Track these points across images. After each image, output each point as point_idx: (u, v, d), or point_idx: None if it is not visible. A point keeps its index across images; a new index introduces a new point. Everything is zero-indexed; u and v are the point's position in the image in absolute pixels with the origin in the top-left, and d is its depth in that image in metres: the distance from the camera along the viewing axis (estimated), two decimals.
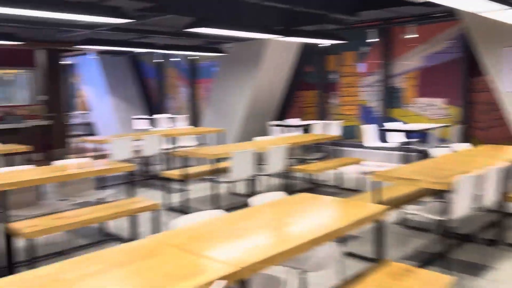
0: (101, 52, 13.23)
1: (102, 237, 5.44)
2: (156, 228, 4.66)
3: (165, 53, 13.47)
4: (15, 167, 4.98)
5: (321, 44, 10.29)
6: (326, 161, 7.67)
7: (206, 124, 11.84)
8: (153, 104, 15.81)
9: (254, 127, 11.00)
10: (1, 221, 4.24)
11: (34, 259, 4.37)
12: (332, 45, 10.21)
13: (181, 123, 12.95)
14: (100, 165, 5.00)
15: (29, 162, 7.24)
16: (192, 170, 6.73)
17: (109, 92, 14.98)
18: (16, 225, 4.00)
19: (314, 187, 7.76)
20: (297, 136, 7.98)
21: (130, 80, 15.53)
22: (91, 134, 16.92)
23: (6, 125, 9.90)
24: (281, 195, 3.48)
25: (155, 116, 13.10)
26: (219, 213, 2.96)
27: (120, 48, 9.76)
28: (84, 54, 12.78)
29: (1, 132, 10.09)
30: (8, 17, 6.51)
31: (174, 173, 6.65)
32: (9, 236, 4.07)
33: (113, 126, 15.04)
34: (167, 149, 8.58)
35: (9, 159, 6.99)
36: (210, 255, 2.14)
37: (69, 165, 5.03)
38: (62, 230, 4.20)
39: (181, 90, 14.56)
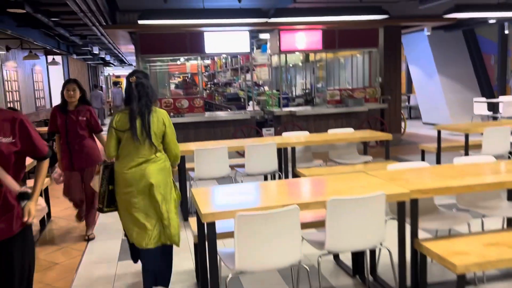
0: (434, 28, 11.55)
1: None
2: None
3: None
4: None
5: None
6: None
7: None
8: (490, 85, 13.34)
9: None
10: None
11: None
12: None
13: None
14: None
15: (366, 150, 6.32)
16: None
17: (438, 72, 13.29)
18: (429, 245, 2.92)
19: None
20: None
21: (462, 57, 13.42)
22: (413, 118, 15.66)
23: (345, 108, 9.47)
24: None
25: (495, 99, 10.76)
26: None
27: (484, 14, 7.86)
28: (421, 30, 11.36)
29: (339, 116, 9.71)
30: None
31: None
32: (417, 252, 3.07)
33: (440, 110, 13.33)
34: None
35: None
36: None
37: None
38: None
39: None
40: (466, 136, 6.01)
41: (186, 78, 14.36)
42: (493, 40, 13.15)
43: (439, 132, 6.53)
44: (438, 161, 6.51)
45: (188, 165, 5.60)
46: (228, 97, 14.10)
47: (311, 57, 11.73)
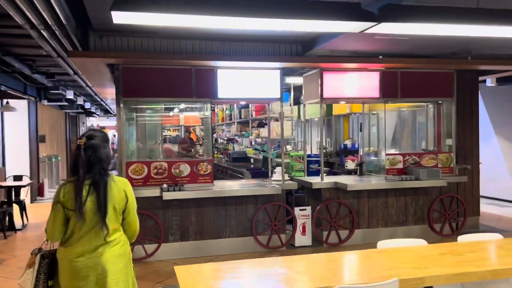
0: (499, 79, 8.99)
1: None
2: None
3: None
4: None
5: None
6: None
7: None
8: None
9: None
10: None
11: None
12: None
13: None
14: None
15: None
16: None
17: (496, 134, 10.70)
18: None
19: None
20: None
21: None
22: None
23: (413, 182, 6.63)
24: None
25: None
26: None
27: None
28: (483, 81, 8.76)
29: (402, 192, 6.85)
30: None
31: None
32: None
33: (501, 181, 10.58)
34: None
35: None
36: None
37: None
38: None
39: None
40: None
41: (188, 130, 11.55)
42: None
43: None
44: None
45: None
46: (233, 157, 11.34)
47: (354, 108, 8.99)
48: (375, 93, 6.81)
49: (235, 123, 11.62)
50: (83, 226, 2.69)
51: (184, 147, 12.49)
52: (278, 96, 6.47)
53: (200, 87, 6.19)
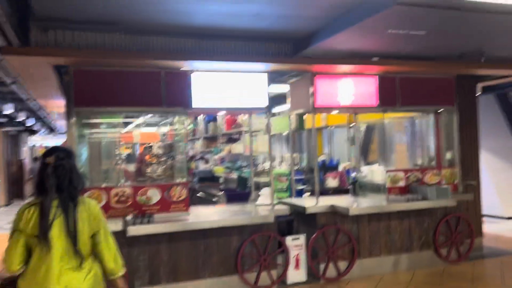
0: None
1: None
2: None
3: None
4: None
5: None
6: None
7: None
8: None
9: None
10: None
11: None
12: None
13: None
14: None
15: None
16: None
17: (483, 148, 10.17)
18: None
19: None
20: None
21: (499, 125, 10.39)
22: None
23: (419, 203, 5.76)
24: None
25: None
26: None
27: None
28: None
29: (405, 214, 5.97)
30: None
31: None
32: None
33: (488, 196, 10.01)
34: None
35: None
36: None
37: None
38: None
39: None
40: None
41: (147, 148, 10.26)
42: None
43: None
44: None
45: None
46: (200, 176, 10.16)
47: (330, 120, 8.21)
48: (373, 101, 5.94)
49: (201, 138, 10.51)
50: (49, 254, 2.47)
51: (139, 167, 11.21)
52: (265, 104, 5.46)
53: (172, 94, 5.06)
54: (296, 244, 5.56)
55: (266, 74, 5.42)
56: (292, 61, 5.23)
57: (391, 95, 6.02)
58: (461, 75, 6.41)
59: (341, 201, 5.92)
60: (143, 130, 11.85)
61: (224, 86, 5.28)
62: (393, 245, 5.94)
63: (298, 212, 5.74)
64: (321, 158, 8.91)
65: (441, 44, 5.13)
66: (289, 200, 6.08)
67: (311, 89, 5.63)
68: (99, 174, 5.60)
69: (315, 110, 5.71)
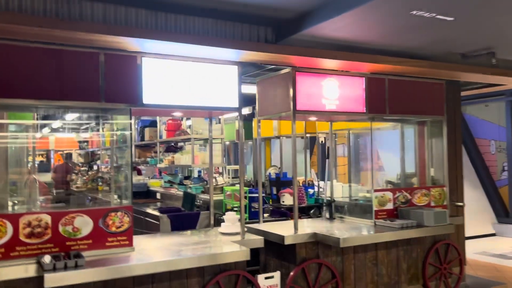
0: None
1: None
2: None
3: None
4: None
5: None
6: None
7: None
8: (493, 180, 10.08)
9: None
10: None
11: None
12: None
13: None
14: None
15: None
16: None
17: None
18: None
19: None
20: None
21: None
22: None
23: (412, 231, 4.80)
24: None
25: None
26: None
27: None
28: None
29: (393, 243, 4.99)
30: None
31: None
32: None
33: None
34: None
35: None
36: None
37: None
38: None
39: None
40: None
41: (66, 157, 8.57)
42: (491, 120, 10.15)
43: None
44: None
45: None
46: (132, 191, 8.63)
47: (283, 129, 7.24)
48: (360, 106, 4.92)
49: (132, 146, 8.98)
50: None
51: (58, 177, 9.52)
52: (236, 105, 4.21)
53: (113, 85, 3.66)
54: (270, 285, 4.34)
55: (236, 67, 4.20)
56: (266, 48, 4.02)
57: (380, 101, 5.05)
58: (448, 81, 5.64)
59: (322, 227, 4.81)
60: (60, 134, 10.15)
61: (184, 78, 3.97)
62: (380, 280, 4.92)
63: (267, 241, 4.53)
64: (269, 171, 7.85)
65: (461, 36, 4.20)
66: (256, 225, 4.86)
67: (291, 89, 4.49)
68: (4, 189, 4.04)
69: (295, 113, 4.55)
